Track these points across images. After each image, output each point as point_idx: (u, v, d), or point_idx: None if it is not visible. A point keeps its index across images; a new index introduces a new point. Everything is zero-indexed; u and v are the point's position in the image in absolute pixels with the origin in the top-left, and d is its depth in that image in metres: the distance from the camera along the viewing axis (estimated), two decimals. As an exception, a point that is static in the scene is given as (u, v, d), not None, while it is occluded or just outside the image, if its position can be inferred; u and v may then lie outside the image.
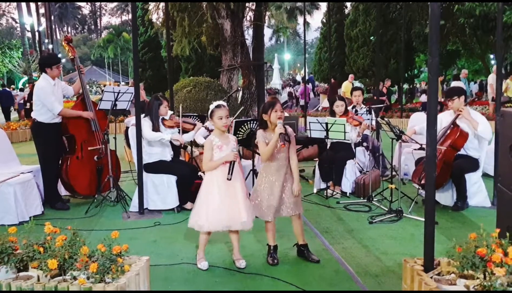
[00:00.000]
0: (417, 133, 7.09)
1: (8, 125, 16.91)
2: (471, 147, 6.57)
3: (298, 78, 42.54)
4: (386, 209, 6.44)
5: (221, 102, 4.66)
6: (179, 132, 6.84)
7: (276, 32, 68.75)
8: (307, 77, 25.36)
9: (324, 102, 24.74)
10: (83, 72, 7.34)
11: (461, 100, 6.50)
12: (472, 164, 6.60)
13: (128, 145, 8.20)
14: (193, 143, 7.77)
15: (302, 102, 25.52)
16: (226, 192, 4.47)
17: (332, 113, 7.80)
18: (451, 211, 6.47)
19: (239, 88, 14.59)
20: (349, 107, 8.11)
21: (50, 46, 23.27)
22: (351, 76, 20.62)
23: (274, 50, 69.63)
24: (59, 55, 7.58)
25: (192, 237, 5.46)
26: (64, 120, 6.95)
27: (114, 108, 7.30)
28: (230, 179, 4.41)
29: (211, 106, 4.61)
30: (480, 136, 6.48)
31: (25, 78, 39.29)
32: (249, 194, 4.75)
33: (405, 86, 27.05)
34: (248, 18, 15.58)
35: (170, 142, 6.84)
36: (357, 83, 29.80)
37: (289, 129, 4.69)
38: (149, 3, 18.52)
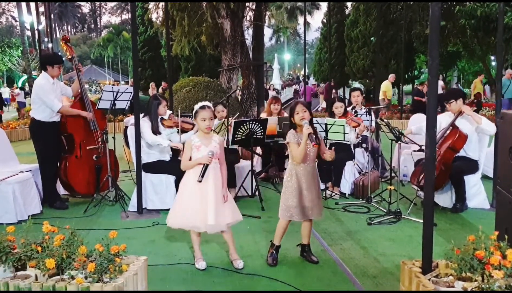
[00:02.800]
0: (414, 133, 7.09)
1: (7, 124, 16.90)
2: (470, 149, 6.57)
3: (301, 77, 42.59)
4: (385, 210, 6.44)
5: (206, 103, 4.62)
6: (178, 132, 6.83)
7: (276, 32, 68.89)
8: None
9: (324, 103, 24.77)
10: (81, 71, 7.33)
11: (459, 103, 6.50)
12: (471, 166, 6.60)
13: (127, 145, 8.20)
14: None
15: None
16: (196, 193, 4.46)
17: (332, 115, 7.80)
18: (450, 212, 6.46)
19: (239, 88, 14.60)
20: (349, 108, 8.10)
21: (50, 45, 23.25)
22: (392, 76, 20.44)
23: (274, 50, 69.70)
24: (60, 54, 7.54)
25: (190, 237, 5.46)
26: (62, 120, 6.94)
27: (113, 108, 7.30)
28: (200, 181, 4.37)
29: (196, 107, 4.58)
30: (483, 130, 6.43)
31: (25, 77, 39.26)
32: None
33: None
34: (248, 18, 15.62)
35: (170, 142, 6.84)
36: (356, 84, 29.83)
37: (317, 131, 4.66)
38: (149, 2, 18.50)
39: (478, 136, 6.59)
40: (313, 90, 29.95)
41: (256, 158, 8.68)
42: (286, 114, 8.28)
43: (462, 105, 6.48)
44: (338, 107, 7.73)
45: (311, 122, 4.49)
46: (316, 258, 4.78)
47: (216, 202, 4.46)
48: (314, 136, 4.40)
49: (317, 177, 4.71)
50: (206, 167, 4.41)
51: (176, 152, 7.30)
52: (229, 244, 4.72)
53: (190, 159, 4.56)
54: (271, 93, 28.61)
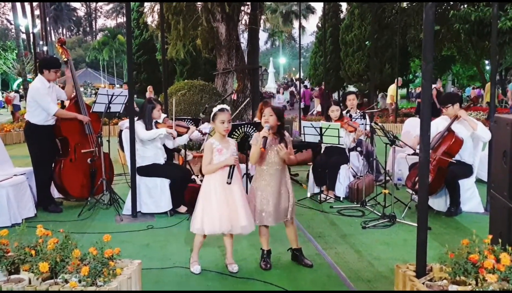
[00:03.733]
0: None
1: (2, 127, 16.85)
2: (465, 153, 6.58)
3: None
4: (380, 214, 6.44)
5: (224, 106, 4.66)
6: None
7: (272, 36, 68.93)
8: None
9: (319, 107, 24.77)
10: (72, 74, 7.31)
11: (456, 107, 6.52)
12: (466, 170, 6.62)
13: (122, 148, 8.19)
14: (187, 147, 7.76)
15: (302, 105, 25.53)
16: (223, 196, 4.46)
17: (328, 118, 7.80)
18: (444, 216, 6.47)
19: (234, 91, 14.59)
20: (343, 112, 8.11)
21: (45, 48, 23.18)
22: (399, 79, 20.48)
23: (269, 54, 69.77)
24: (58, 59, 7.51)
25: (185, 240, 5.46)
26: (57, 123, 6.93)
27: (108, 111, 7.29)
28: (230, 183, 4.40)
29: (214, 109, 4.60)
30: (478, 137, 6.46)
31: (20, 80, 39.17)
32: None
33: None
34: (243, 21, 15.61)
35: (164, 145, 6.83)
36: (351, 88, 29.87)
37: (287, 134, 4.68)
38: (144, 5, 18.49)
39: (473, 141, 6.61)
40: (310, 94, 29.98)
41: (252, 161, 8.66)
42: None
43: (459, 109, 6.50)
44: (334, 111, 7.73)
45: (282, 128, 4.60)
46: (309, 262, 4.78)
47: (244, 202, 4.52)
48: (265, 140, 4.39)
49: (285, 181, 4.69)
50: (233, 168, 4.43)
51: (170, 156, 7.30)
52: (228, 248, 4.72)
53: (210, 163, 4.56)
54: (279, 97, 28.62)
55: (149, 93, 20.99)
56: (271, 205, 4.57)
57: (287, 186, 4.69)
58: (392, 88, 19.22)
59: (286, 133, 4.72)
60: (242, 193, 4.55)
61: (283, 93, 36.96)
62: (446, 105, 6.59)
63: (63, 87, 7.80)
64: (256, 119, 9.06)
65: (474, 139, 6.57)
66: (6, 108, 35.07)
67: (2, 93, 39.18)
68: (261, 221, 4.62)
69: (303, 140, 7.64)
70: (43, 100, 6.71)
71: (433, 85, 18.81)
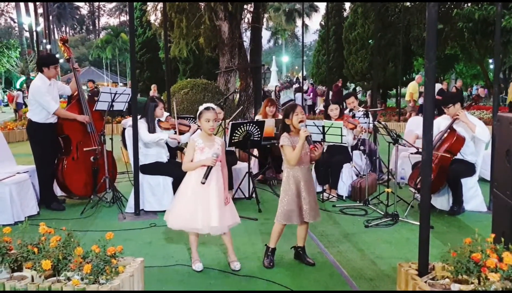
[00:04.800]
0: (420, 138, 7.06)
1: (5, 125, 16.88)
2: (467, 152, 6.58)
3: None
4: (382, 213, 6.44)
5: (210, 104, 4.63)
6: (175, 133, 6.84)
7: (274, 35, 68.89)
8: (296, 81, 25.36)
9: (322, 105, 24.75)
10: (78, 71, 7.33)
11: (457, 107, 6.52)
12: (469, 169, 6.61)
13: (125, 146, 8.20)
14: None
15: (309, 102, 25.54)
16: (198, 195, 4.45)
17: (328, 118, 7.80)
18: (447, 215, 6.47)
19: (236, 90, 14.59)
20: (346, 111, 8.10)
21: (48, 46, 23.23)
22: (418, 76, 20.34)
23: (272, 52, 69.63)
24: (57, 56, 7.54)
25: (187, 239, 5.45)
26: (59, 121, 6.93)
27: (111, 109, 7.29)
28: (203, 183, 4.37)
29: (200, 108, 4.59)
30: (477, 139, 6.48)
31: (23, 78, 39.21)
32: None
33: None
34: (246, 20, 15.61)
35: (166, 143, 6.84)
36: (352, 87, 29.80)
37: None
38: (147, 4, 18.50)
39: (475, 140, 6.61)
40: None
41: (253, 160, 8.68)
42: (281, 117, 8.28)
43: (460, 110, 6.49)
44: (333, 110, 7.72)
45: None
46: (312, 260, 4.78)
47: (219, 204, 4.47)
48: (310, 138, 4.42)
49: (313, 180, 4.71)
50: (210, 169, 4.41)
51: (173, 154, 7.30)
52: (228, 246, 4.72)
53: (192, 160, 4.56)
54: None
55: (153, 91, 21.01)
56: (307, 202, 4.56)
57: (314, 186, 4.73)
58: (412, 86, 19.00)
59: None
60: (219, 194, 4.50)
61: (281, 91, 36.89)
62: (447, 105, 6.59)
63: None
64: (258, 117, 9.10)
65: (475, 140, 6.57)
66: (9, 106, 35.12)
67: (5, 91, 39.20)
68: (289, 219, 4.59)
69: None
70: (43, 99, 6.72)
71: (442, 85, 18.82)
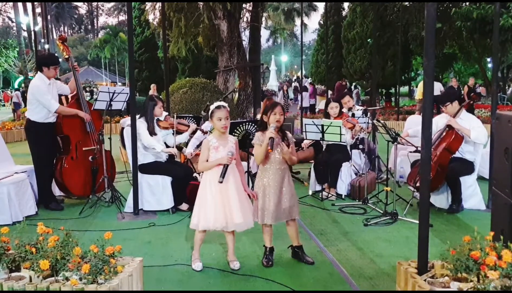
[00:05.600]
0: (411, 136, 7.07)
1: (3, 124, 16.87)
2: (466, 150, 6.58)
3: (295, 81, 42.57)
4: (381, 212, 6.44)
5: (221, 103, 4.64)
6: (173, 133, 6.84)
7: (273, 34, 68.84)
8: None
9: (321, 104, 24.75)
10: (78, 70, 7.32)
11: (454, 105, 6.52)
12: (468, 167, 6.61)
13: (124, 146, 8.19)
14: (188, 144, 7.76)
15: (311, 101, 25.54)
16: (218, 193, 4.47)
17: (327, 115, 7.80)
18: (446, 213, 6.47)
19: (235, 89, 14.58)
20: (345, 110, 8.09)
21: (47, 46, 23.17)
22: None
23: (271, 51, 69.69)
24: (56, 55, 7.51)
25: (187, 238, 5.46)
26: (58, 120, 6.92)
27: (109, 108, 7.28)
28: (221, 182, 4.40)
29: (212, 107, 4.61)
30: (475, 142, 6.48)
31: (21, 78, 39.17)
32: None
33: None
34: (245, 19, 15.61)
35: (165, 143, 6.84)
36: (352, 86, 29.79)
37: (289, 135, 4.68)
38: (146, 3, 18.50)
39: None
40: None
41: (252, 159, 8.65)
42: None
43: (451, 119, 6.48)
44: (333, 108, 7.72)
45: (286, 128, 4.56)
46: (311, 259, 4.77)
47: (240, 200, 4.50)
48: (272, 141, 4.40)
49: (288, 180, 4.68)
50: (226, 167, 4.42)
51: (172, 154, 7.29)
52: (230, 245, 4.72)
53: (208, 160, 4.57)
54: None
55: (153, 91, 20.97)
56: (272, 204, 4.57)
57: (289, 186, 4.68)
58: (421, 85, 18.95)
59: (289, 134, 4.71)
60: (238, 190, 4.54)
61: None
62: (445, 103, 6.59)
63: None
64: (258, 116, 9.09)
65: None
66: (6, 106, 35.14)
67: (2, 91, 39.21)
68: (262, 219, 4.62)
69: (305, 138, 7.64)
70: (44, 98, 6.71)
71: (453, 83, 18.74)
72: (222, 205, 4.45)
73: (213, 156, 4.54)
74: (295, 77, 46.58)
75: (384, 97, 31.03)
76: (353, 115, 7.91)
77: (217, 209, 4.45)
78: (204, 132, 7.05)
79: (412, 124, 8.54)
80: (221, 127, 4.54)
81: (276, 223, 4.67)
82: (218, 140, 4.57)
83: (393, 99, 32.11)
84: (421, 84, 19.09)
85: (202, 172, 4.72)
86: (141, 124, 6.58)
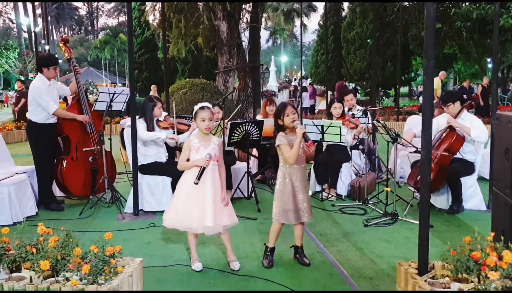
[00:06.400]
0: (417, 137, 7.06)
1: (3, 125, 16.87)
2: (467, 151, 6.58)
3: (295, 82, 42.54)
4: (381, 212, 6.43)
5: (205, 104, 4.62)
6: (174, 133, 6.84)
7: (273, 34, 68.85)
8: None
9: (321, 105, 24.73)
10: (79, 72, 7.32)
11: (456, 106, 6.52)
12: (468, 168, 6.61)
13: (124, 146, 8.19)
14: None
15: (311, 102, 25.55)
16: (193, 194, 4.45)
17: (330, 116, 7.79)
18: (446, 214, 6.47)
19: (235, 90, 14.58)
20: (345, 108, 8.09)
21: (47, 47, 23.15)
22: (442, 73, 20.15)
23: (271, 52, 69.60)
24: (56, 56, 7.51)
25: (187, 239, 5.45)
26: (59, 121, 6.93)
27: (110, 109, 7.28)
28: (196, 183, 4.37)
29: (195, 107, 4.59)
30: (475, 141, 6.48)
31: (22, 78, 39.13)
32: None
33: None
34: (244, 20, 15.63)
35: (165, 143, 6.83)
36: (351, 86, 29.79)
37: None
38: (146, 4, 18.51)
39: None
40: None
41: (252, 160, 8.67)
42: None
43: (451, 118, 6.49)
44: (336, 108, 7.71)
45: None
46: (308, 260, 4.76)
47: (215, 203, 4.45)
48: (307, 135, 4.43)
49: (306, 179, 4.72)
50: (203, 169, 4.39)
51: (172, 154, 7.29)
52: (227, 245, 4.72)
53: (188, 160, 4.56)
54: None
55: (153, 92, 20.96)
56: (304, 201, 4.57)
57: (306, 184, 4.71)
58: (435, 82, 18.88)
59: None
60: (215, 193, 4.49)
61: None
62: (446, 104, 6.59)
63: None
64: (258, 116, 9.09)
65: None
66: (5, 107, 35.12)
67: (1, 93, 39.20)
68: (299, 217, 4.59)
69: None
70: (43, 99, 6.71)
71: (464, 84, 18.65)
72: (196, 206, 4.43)
73: (193, 156, 4.53)
74: (294, 78, 46.55)
75: (383, 97, 31.05)
76: (353, 115, 7.91)
77: (188, 209, 4.44)
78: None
79: (413, 125, 8.54)
80: (204, 128, 4.52)
81: (311, 219, 4.68)
82: (200, 141, 4.54)
83: (387, 100, 32.15)
84: (435, 81, 19.13)
85: None
86: (140, 124, 6.57)
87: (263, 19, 17.39)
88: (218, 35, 14.42)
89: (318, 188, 7.56)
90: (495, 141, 3.99)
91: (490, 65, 26.92)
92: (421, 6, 21.57)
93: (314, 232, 5.79)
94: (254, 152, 8.62)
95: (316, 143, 4.53)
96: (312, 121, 7.32)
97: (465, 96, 18.01)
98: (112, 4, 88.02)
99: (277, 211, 4.61)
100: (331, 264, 4.79)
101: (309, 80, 31.15)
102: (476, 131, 6.36)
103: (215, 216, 4.42)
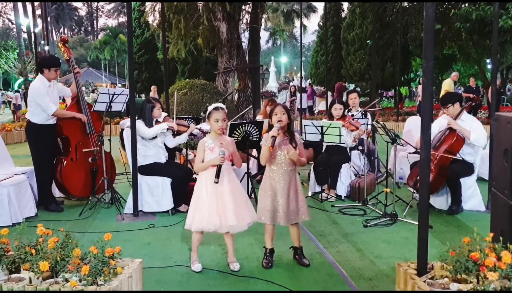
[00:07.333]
0: None
1: (3, 126, 16.88)
2: (466, 152, 6.58)
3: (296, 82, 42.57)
4: (381, 213, 6.43)
5: (219, 104, 4.66)
6: (173, 134, 6.84)
7: (273, 35, 68.89)
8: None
9: (320, 106, 24.74)
10: (79, 73, 7.33)
11: (456, 107, 6.53)
12: (467, 168, 6.61)
13: (123, 147, 8.19)
14: (188, 146, 7.75)
15: (309, 103, 25.53)
16: (212, 194, 4.47)
17: (330, 116, 7.79)
18: (446, 215, 6.47)
19: (235, 90, 14.58)
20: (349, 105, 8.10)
21: (46, 48, 23.20)
22: (455, 74, 20.10)
23: (270, 53, 69.65)
24: (57, 57, 7.52)
25: (186, 239, 5.45)
26: (58, 122, 6.93)
27: (109, 110, 7.28)
28: (217, 182, 4.40)
29: (209, 108, 4.62)
30: (474, 144, 6.48)
31: (21, 79, 39.17)
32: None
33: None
34: (244, 20, 15.62)
35: (165, 144, 6.84)
36: (351, 87, 29.79)
37: (297, 136, 4.68)
38: (146, 5, 18.50)
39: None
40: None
41: (252, 160, 8.67)
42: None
43: (451, 120, 6.49)
44: (337, 109, 7.70)
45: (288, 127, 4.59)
46: (307, 261, 4.77)
47: (235, 201, 4.49)
48: (274, 139, 4.42)
49: (294, 182, 4.67)
50: (219, 167, 4.42)
51: (172, 155, 7.30)
52: (229, 246, 4.72)
53: (203, 161, 4.58)
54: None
55: (153, 93, 20.94)
56: (281, 205, 4.57)
57: (296, 188, 4.67)
58: (447, 83, 18.83)
59: (297, 135, 4.70)
60: (233, 191, 4.53)
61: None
62: (446, 105, 6.59)
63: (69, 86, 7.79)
64: (258, 117, 9.09)
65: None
66: (3, 107, 35.14)
67: (2, 94, 39.28)
68: (272, 219, 4.61)
69: (304, 139, 7.63)
70: (42, 100, 6.71)
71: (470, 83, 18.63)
72: (216, 206, 4.45)
73: (208, 156, 4.56)
74: (293, 78, 46.55)
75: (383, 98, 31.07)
76: (352, 116, 7.91)
77: (211, 210, 4.45)
78: (204, 133, 7.05)
79: (412, 126, 8.55)
80: (218, 128, 4.55)
81: (288, 224, 4.66)
82: (214, 142, 4.58)
83: (386, 100, 32.15)
84: (445, 83, 19.13)
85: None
86: (140, 124, 6.58)
87: (263, 20, 17.38)
88: (218, 36, 14.41)
89: (318, 189, 7.56)
90: (494, 142, 3.99)
91: (489, 66, 26.93)
92: (420, 7, 21.57)
93: (314, 233, 5.79)
94: (254, 152, 8.62)
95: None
96: (312, 122, 7.33)
97: (471, 95, 18.13)
98: (112, 4, 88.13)
99: (257, 208, 4.69)
100: (331, 264, 4.79)
101: (308, 81, 31.13)
102: (475, 135, 6.36)
103: (237, 214, 4.47)
